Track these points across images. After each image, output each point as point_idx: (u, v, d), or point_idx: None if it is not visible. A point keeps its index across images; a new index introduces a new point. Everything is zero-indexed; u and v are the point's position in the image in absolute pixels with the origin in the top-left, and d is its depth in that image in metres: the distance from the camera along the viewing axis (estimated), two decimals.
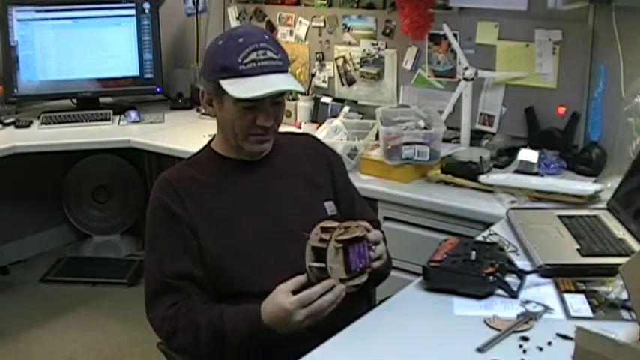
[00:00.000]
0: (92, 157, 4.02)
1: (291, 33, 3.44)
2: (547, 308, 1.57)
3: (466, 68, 2.77)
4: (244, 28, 1.77)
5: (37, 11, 3.51)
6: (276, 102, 1.73)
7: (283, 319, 1.52)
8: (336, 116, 3.08)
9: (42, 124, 3.44)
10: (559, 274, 1.72)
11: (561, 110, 2.69)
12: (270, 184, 1.81)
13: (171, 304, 1.67)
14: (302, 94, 3.23)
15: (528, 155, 2.55)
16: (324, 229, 1.56)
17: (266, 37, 1.72)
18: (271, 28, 3.49)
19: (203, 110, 1.80)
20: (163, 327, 1.67)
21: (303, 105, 3.27)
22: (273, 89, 1.68)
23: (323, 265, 1.51)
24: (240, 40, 1.69)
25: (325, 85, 3.36)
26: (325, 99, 3.29)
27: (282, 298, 1.52)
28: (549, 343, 1.44)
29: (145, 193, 4.00)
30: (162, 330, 1.68)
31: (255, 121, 1.72)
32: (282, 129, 1.83)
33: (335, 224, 1.57)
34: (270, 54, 1.69)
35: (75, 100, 3.66)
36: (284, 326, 1.53)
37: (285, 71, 1.74)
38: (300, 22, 3.40)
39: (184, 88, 3.77)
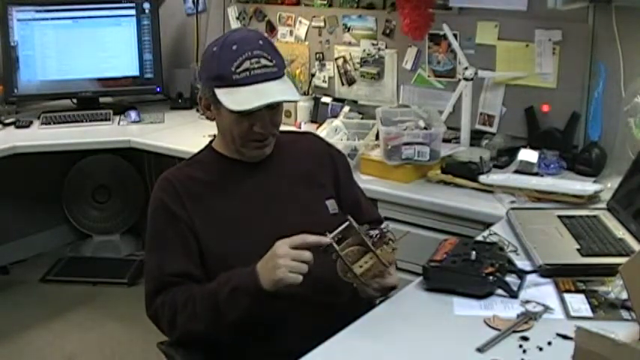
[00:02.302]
0: (92, 157, 4.02)
1: (291, 33, 3.44)
2: (547, 308, 1.58)
3: (466, 68, 2.77)
4: (239, 34, 1.75)
5: (37, 11, 3.51)
6: (272, 107, 1.73)
7: (268, 256, 1.56)
8: (336, 116, 3.09)
9: (42, 124, 3.44)
10: (559, 274, 1.72)
11: (545, 108, 2.72)
12: (272, 183, 1.81)
13: (170, 293, 1.68)
14: (302, 94, 3.23)
15: (528, 155, 2.55)
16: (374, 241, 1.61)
17: (260, 42, 1.71)
18: (271, 28, 3.49)
19: (202, 110, 1.81)
20: (165, 313, 1.67)
21: (303, 105, 3.27)
22: (266, 101, 1.67)
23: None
24: (235, 47, 1.68)
25: (325, 85, 3.36)
26: (325, 99, 3.29)
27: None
28: (549, 343, 1.44)
29: (145, 193, 4.00)
30: (165, 317, 1.67)
31: (252, 128, 1.72)
32: (283, 128, 1.83)
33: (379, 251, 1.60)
34: (264, 61, 1.68)
35: (75, 100, 3.66)
36: (266, 265, 1.56)
37: (281, 76, 1.73)
38: (300, 22, 3.40)
39: (184, 88, 3.77)
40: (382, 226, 1.72)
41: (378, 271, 1.61)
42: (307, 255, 1.55)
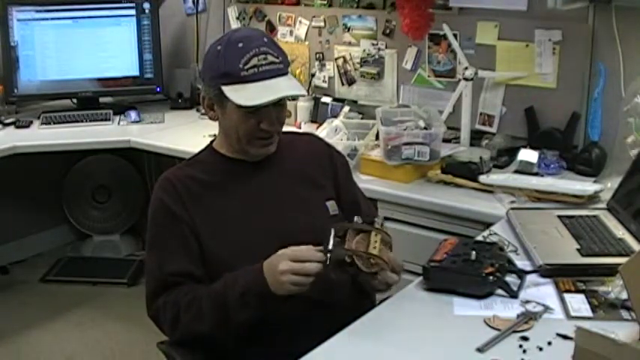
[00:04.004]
0: (92, 157, 4.02)
1: (291, 33, 3.44)
2: (547, 308, 1.58)
3: (466, 68, 2.77)
4: (243, 32, 1.76)
5: (37, 11, 3.51)
6: (279, 104, 1.73)
7: (271, 264, 1.57)
8: (336, 116, 3.08)
9: (42, 124, 3.44)
10: (559, 274, 1.72)
11: None
12: (272, 184, 1.81)
13: (171, 294, 1.68)
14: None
15: (528, 155, 2.55)
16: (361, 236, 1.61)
17: (265, 40, 1.72)
18: (271, 28, 3.49)
19: (203, 111, 1.81)
20: (167, 313, 1.67)
21: (303, 105, 3.27)
22: (277, 96, 1.68)
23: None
24: (240, 44, 1.68)
25: (325, 85, 3.36)
26: (325, 99, 3.29)
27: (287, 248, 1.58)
28: (549, 343, 1.44)
29: (145, 193, 4.00)
30: (167, 317, 1.67)
31: (258, 125, 1.72)
32: (283, 128, 1.83)
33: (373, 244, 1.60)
34: (271, 58, 1.69)
35: (75, 100, 3.66)
36: (270, 273, 1.57)
37: (287, 73, 1.74)
38: (300, 22, 3.40)
39: (184, 88, 3.77)
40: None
41: (389, 246, 1.63)
42: (310, 267, 1.54)
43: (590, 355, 1.19)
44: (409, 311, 1.62)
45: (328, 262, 1.55)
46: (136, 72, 3.64)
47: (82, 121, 3.47)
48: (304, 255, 1.55)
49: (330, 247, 1.57)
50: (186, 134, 3.24)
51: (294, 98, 3.24)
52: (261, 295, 1.58)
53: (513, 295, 1.64)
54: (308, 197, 1.83)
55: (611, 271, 1.60)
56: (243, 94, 1.67)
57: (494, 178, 2.42)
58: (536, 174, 2.50)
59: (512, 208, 2.17)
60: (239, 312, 1.60)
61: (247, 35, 1.72)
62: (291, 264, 1.54)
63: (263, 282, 1.57)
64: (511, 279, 1.69)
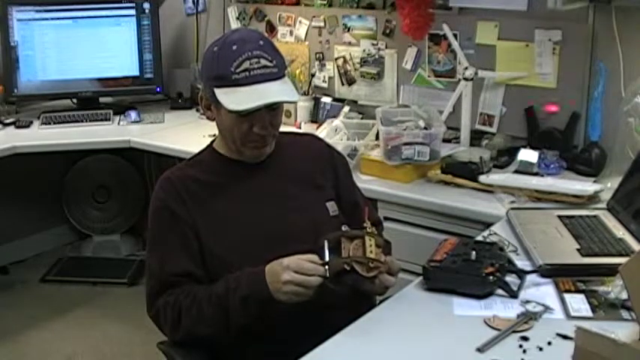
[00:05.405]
0: (92, 157, 4.02)
1: (291, 33, 3.44)
2: (547, 308, 1.58)
3: (466, 68, 2.77)
4: (240, 34, 1.75)
5: (37, 11, 3.51)
6: (272, 108, 1.72)
7: (274, 273, 1.57)
8: (336, 116, 3.08)
9: (42, 124, 3.44)
10: (559, 274, 1.72)
11: (552, 108, 2.71)
12: (272, 184, 1.81)
13: (172, 294, 1.68)
14: (302, 94, 3.23)
15: (528, 155, 2.55)
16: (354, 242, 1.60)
17: (261, 42, 1.71)
18: (271, 28, 3.49)
19: (202, 111, 1.82)
20: (168, 314, 1.67)
21: (303, 105, 3.27)
22: (265, 101, 1.67)
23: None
24: (234, 47, 1.68)
25: (325, 85, 3.36)
26: (325, 99, 3.29)
27: (289, 257, 1.57)
28: (549, 343, 1.44)
29: (145, 193, 4.00)
30: (168, 318, 1.67)
31: (251, 129, 1.72)
32: (283, 129, 1.83)
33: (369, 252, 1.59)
34: (264, 61, 1.68)
35: (75, 100, 3.66)
36: (273, 282, 1.57)
37: (281, 77, 1.72)
38: (300, 22, 3.40)
39: (184, 88, 3.77)
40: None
41: (383, 245, 1.63)
42: (312, 281, 1.55)
43: (590, 355, 1.19)
44: (409, 311, 1.62)
45: (328, 275, 1.55)
46: (136, 72, 3.64)
47: (82, 121, 3.47)
48: (308, 269, 1.55)
49: (327, 259, 1.57)
50: (186, 134, 3.24)
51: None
52: (262, 301, 1.58)
53: (513, 295, 1.64)
54: (308, 198, 1.83)
55: (611, 271, 1.60)
56: (233, 98, 1.67)
57: (494, 178, 2.42)
58: (536, 174, 2.50)
59: (512, 208, 2.17)
60: (240, 316, 1.61)
61: (243, 37, 1.71)
62: (293, 275, 1.55)
63: (265, 288, 1.57)
64: (511, 279, 1.69)
